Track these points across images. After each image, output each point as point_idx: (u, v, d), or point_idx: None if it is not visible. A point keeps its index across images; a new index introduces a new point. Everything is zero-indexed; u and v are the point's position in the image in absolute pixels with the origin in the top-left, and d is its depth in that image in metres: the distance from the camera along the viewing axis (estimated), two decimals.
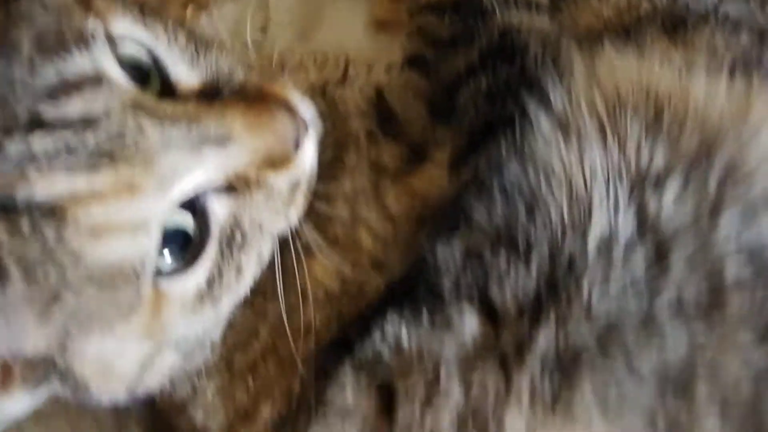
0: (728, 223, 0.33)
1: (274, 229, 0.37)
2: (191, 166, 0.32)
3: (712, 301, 0.32)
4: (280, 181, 0.36)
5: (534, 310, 0.33)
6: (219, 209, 0.35)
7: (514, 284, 0.33)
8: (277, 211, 0.37)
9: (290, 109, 0.35)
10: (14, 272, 0.29)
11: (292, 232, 0.38)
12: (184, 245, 0.35)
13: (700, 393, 0.31)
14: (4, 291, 0.29)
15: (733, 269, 0.32)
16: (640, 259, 0.33)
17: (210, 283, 0.35)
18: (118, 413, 0.50)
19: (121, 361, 0.36)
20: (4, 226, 0.29)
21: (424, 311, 0.35)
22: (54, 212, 0.29)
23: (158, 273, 0.33)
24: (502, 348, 0.33)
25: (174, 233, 0.34)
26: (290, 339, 0.37)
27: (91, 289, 0.31)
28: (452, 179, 0.37)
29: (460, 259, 0.35)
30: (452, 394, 0.33)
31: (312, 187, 0.39)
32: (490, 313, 0.34)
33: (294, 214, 0.38)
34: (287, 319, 0.37)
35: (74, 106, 0.29)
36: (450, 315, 0.34)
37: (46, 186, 0.29)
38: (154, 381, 0.39)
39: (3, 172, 0.29)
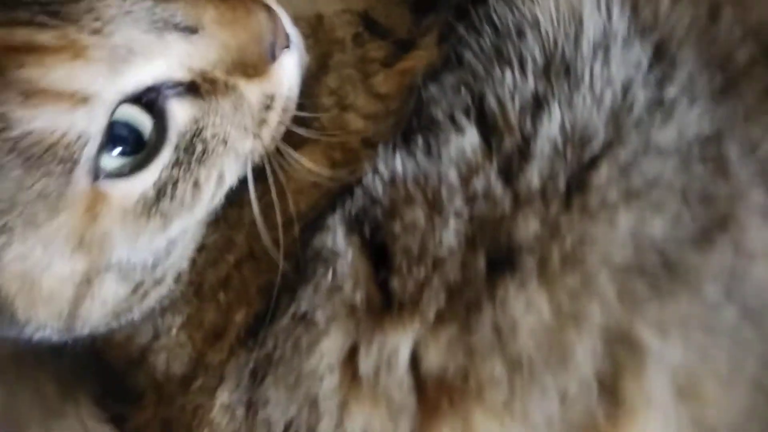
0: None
1: (241, 148, 0.33)
2: (151, 51, 0.29)
3: (726, 85, 0.30)
4: (251, 92, 0.32)
5: (535, 107, 0.30)
6: (180, 112, 0.31)
7: (511, 90, 0.31)
8: (246, 128, 0.33)
9: (270, 13, 0.32)
10: None
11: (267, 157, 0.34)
12: (137, 149, 0.31)
13: (734, 165, 0.28)
14: None
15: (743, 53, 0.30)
16: (641, 55, 0.30)
17: (160, 193, 0.31)
18: (63, 382, 0.44)
19: (49, 276, 0.31)
20: None
21: (419, 139, 0.32)
22: None
23: (100, 172, 0.30)
24: (504, 153, 0.30)
25: (126, 135, 0.30)
26: (268, 236, 0.33)
27: (16, 165, 0.27)
28: (441, 53, 0.34)
29: (453, 86, 0.32)
30: (456, 212, 0.30)
31: (291, 113, 0.35)
32: (488, 122, 0.31)
33: (266, 135, 0.34)
34: (264, 218, 0.33)
35: None
36: (447, 134, 0.31)
37: None
38: (95, 313, 0.34)
39: None
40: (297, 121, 0.36)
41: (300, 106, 0.36)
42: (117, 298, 0.35)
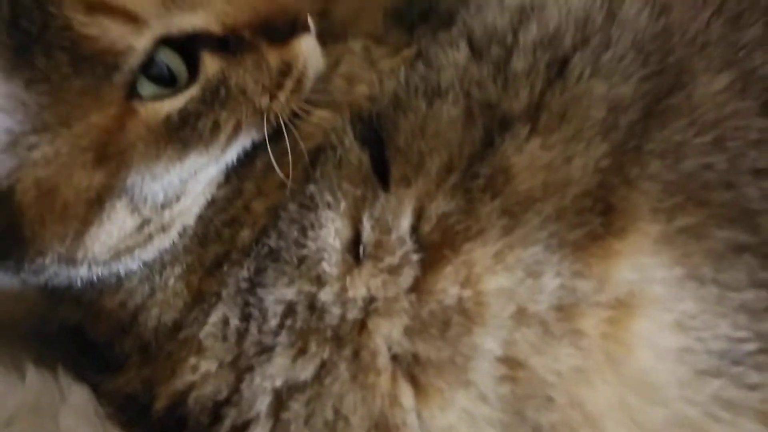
0: None
1: (257, 102, 0.38)
2: (194, 2, 0.35)
3: None
4: (271, 55, 0.38)
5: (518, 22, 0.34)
6: (210, 62, 0.36)
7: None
8: (264, 86, 0.38)
9: (299, 2, 0.39)
10: (3, 10, 0.30)
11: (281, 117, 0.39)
12: (170, 85, 0.36)
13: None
14: None
15: None
16: None
17: (183, 121, 0.35)
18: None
19: (67, 186, 0.34)
20: None
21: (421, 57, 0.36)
22: None
23: (136, 94, 0.34)
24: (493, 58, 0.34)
25: (163, 73, 0.35)
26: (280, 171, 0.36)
27: (65, 61, 0.31)
28: None
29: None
30: (454, 98, 0.33)
31: (305, 87, 0.40)
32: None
33: (282, 98, 0.39)
34: (278, 165, 0.36)
35: None
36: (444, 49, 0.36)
37: None
38: (99, 244, 0.36)
39: None
40: (312, 101, 0.42)
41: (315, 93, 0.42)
42: (123, 232, 0.36)
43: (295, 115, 0.40)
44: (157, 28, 0.34)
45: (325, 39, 0.45)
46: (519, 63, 0.33)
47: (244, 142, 0.38)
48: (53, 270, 0.37)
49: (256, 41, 0.37)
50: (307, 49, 0.40)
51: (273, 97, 0.38)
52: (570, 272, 0.28)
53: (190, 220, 0.39)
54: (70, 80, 0.32)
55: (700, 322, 0.26)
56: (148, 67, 0.34)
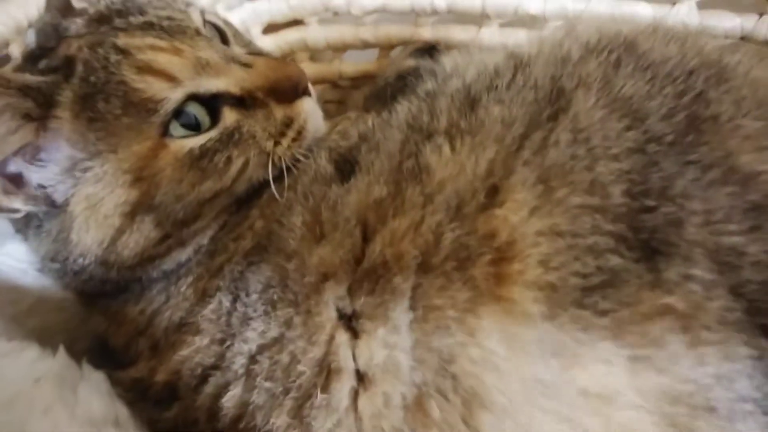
0: None
1: (263, 145, 0.47)
2: (220, 69, 0.46)
3: None
4: (277, 111, 0.48)
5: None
6: (229, 114, 0.47)
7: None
8: (270, 133, 0.48)
9: (301, 73, 0.50)
10: (79, 69, 0.42)
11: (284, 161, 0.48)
12: (196, 130, 0.46)
13: None
14: (69, 82, 0.42)
15: None
16: None
17: (203, 154, 0.45)
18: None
19: (109, 200, 0.43)
20: (89, 50, 0.43)
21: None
22: (123, 51, 0.43)
23: (168, 134, 0.44)
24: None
25: (191, 121, 0.46)
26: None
27: (118, 106, 0.42)
28: None
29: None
30: None
31: (306, 138, 0.50)
32: None
33: (284, 144, 0.48)
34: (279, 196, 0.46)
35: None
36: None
37: (127, 39, 0.44)
38: (128, 250, 0.44)
39: (106, 30, 0.45)
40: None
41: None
42: (148, 241, 0.45)
43: (296, 159, 0.49)
44: (189, 87, 0.45)
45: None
46: (442, 102, 0.43)
47: (251, 177, 0.47)
48: (90, 271, 0.45)
49: (267, 100, 0.48)
50: (308, 109, 0.50)
51: (277, 142, 0.48)
52: (464, 231, 0.35)
53: (204, 240, 0.47)
54: (120, 119, 0.42)
55: (558, 263, 0.32)
56: (179, 115, 0.45)
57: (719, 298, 0.30)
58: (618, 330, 0.31)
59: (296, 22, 0.81)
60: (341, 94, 0.85)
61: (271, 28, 0.82)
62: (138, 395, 0.42)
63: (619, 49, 0.41)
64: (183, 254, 0.47)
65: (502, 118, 0.38)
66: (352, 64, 0.84)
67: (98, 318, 0.50)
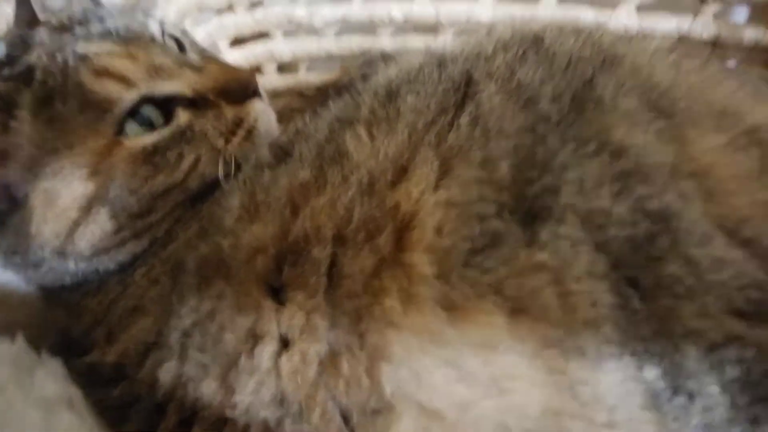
0: None
1: (214, 143, 0.50)
2: (174, 73, 0.50)
3: None
4: (228, 111, 0.51)
5: None
6: (182, 114, 0.50)
7: None
8: (221, 132, 0.51)
9: (250, 76, 0.54)
10: (38, 75, 0.45)
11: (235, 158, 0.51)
12: (149, 129, 0.49)
13: None
14: (29, 87, 0.45)
15: None
16: None
17: (156, 150, 0.47)
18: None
19: (66, 193, 0.46)
20: (48, 58, 0.46)
21: None
22: (81, 57, 0.47)
23: (123, 132, 0.47)
24: None
25: (144, 121, 0.49)
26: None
27: (75, 107, 0.45)
28: None
29: None
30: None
31: (256, 136, 0.53)
32: None
33: (235, 142, 0.51)
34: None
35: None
36: None
37: (86, 46, 0.47)
38: (84, 242, 0.47)
39: (67, 39, 0.48)
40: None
41: None
42: (103, 233, 0.47)
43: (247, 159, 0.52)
44: (143, 89, 0.48)
45: None
46: (366, 96, 0.46)
47: (203, 174, 0.50)
48: (49, 264, 0.47)
49: (218, 101, 0.51)
50: (257, 109, 0.53)
51: (228, 141, 0.51)
52: (373, 205, 0.38)
53: (160, 232, 0.50)
54: (77, 118, 0.45)
55: (449, 230, 0.36)
56: (134, 115, 0.48)
57: (586, 253, 0.33)
58: (499, 285, 0.34)
59: (262, 35, 0.85)
60: (308, 103, 0.89)
61: (238, 42, 0.86)
62: (91, 379, 0.45)
63: (526, 44, 0.45)
64: (138, 246, 0.49)
65: (416, 107, 0.42)
66: (318, 74, 0.88)
67: (60, 311, 0.52)
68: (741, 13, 0.72)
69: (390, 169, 0.39)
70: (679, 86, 0.40)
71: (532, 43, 0.45)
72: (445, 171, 0.38)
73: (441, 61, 0.46)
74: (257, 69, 0.88)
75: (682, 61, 0.44)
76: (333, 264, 0.37)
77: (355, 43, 0.83)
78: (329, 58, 0.86)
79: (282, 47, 0.85)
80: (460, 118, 0.39)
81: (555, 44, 0.44)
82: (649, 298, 0.32)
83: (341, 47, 0.84)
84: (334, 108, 0.48)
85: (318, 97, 0.86)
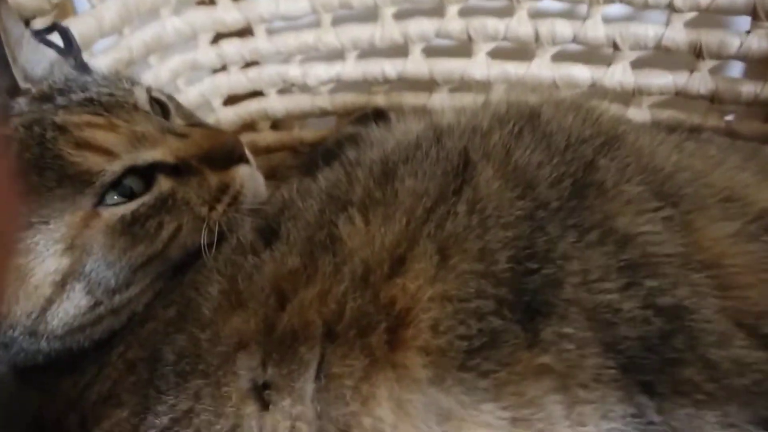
0: None
1: (197, 212, 0.48)
2: (157, 141, 0.48)
3: None
4: (212, 178, 0.49)
5: None
6: (164, 182, 0.48)
7: None
8: (204, 200, 0.49)
9: (235, 141, 0.52)
10: (14, 147, 0.43)
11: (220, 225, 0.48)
12: (131, 197, 0.47)
13: None
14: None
15: None
16: None
17: (134, 219, 0.45)
18: None
19: (40, 269, 0.43)
20: (25, 129, 0.45)
21: None
22: (60, 127, 0.45)
23: (103, 202, 0.45)
24: None
25: (127, 191, 0.47)
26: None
27: (53, 179, 0.43)
28: None
29: None
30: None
31: (241, 202, 0.51)
32: None
33: (219, 209, 0.49)
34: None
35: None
36: None
37: (66, 116, 0.46)
38: (57, 320, 0.44)
39: (47, 110, 0.47)
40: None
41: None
42: (78, 310, 0.45)
43: (234, 225, 0.50)
44: (126, 160, 0.46)
45: None
46: (360, 172, 0.44)
47: (185, 242, 0.48)
48: (20, 344, 0.45)
49: (201, 167, 0.49)
50: (243, 174, 0.52)
51: (212, 208, 0.49)
52: (366, 300, 0.35)
53: (139, 307, 0.47)
54: (53, 191, 0.44)
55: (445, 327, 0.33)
56: (115, 186, 0.46)
57: (594, 355, 0.30)
58: (498, 391, 0.31)
59: (256, 93, 0.85)
60: (302, 161, 0.88)
61: (231, 100, 0.85)
62: None
63: (522, 121, 0.43)
64: (116, 322, 0.46)
65: (414, 191, 0.40)
66: (312, 130, 0.87)
67: (32, 393, 0.49)
68: (736, 69, 0.71)
69: (387, 259, 0.36)
70: (683, 170, 0.38)
71: (528, 120, 0.43)
72: (442, 263, 0.35)
73: (438, 136, 0.44)
74: (251, 126, 0.88)
75: (683, 143, 0.43)
76: (321, 365, 0.34)
77: (349, 100, 0.83)
78: (323, 115, 0.85)
79: (276, 104, 0.85)
80: (457, 206, 0.37)
81: (552, 122, 0.43)
82: (666, 409, 0.29)
83: (335, 105, 0.84)
84: (324, 181, 0.46)
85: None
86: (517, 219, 0.36)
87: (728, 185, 0.37)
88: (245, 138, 0.87)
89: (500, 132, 0.42)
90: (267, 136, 0.87)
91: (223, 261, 0.43)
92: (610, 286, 0.32)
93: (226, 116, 0.85)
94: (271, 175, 0.90)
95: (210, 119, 0.84)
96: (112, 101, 0.49)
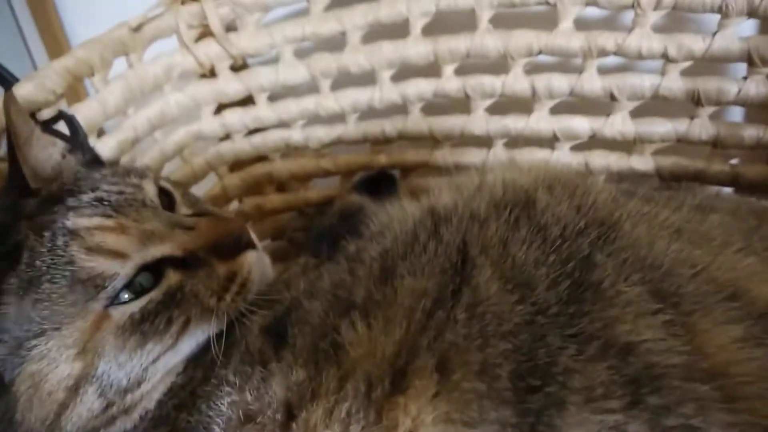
0: None
1: (206, 303, 0.49)
2: (165, 237, 0.49)
3: None
4: (220, 267, 0.50)
5: None
6: (172, 275, 0.48)
7: None
8: (213, 290, 0.49)
9: (241, 228, 0.53)
10: (25, 256, 0.44)
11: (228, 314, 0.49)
12: (140, 294, 0.48)
13: None
14: (15, 270, 0.44)
15: None
16: None
17: (143, 317, 0.46)
18: None
19: (53, 376, 0.44)
20: (36, 235, 0.46)
21: None
22: (71, 232, 0.46)
23: (114, 302, 0.46)
24: None
25: (137, 288, 0.48)
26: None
27: (65, 285, 0.44)
28: None
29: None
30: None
31: (250, 290, 0.52)
32: None
33: (228, 298, 0.50)
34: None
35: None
36: None
37: (76, 220, 0.47)
38: (71, 425, 0.44)
39: (57, 212, 0.48)
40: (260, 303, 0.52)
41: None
42: (91, 413, 0.45)
43: (242, 314, 0.50)
44: (137, 260, 0.47)
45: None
46: (360, 270, 0.44)
47: (195, 334, 0.48)
48: None
49: (209, 258, 0.50)
50: (251, 261, 0.52)
51: (220, 298, 0.50)
52: (369, 422, 0.35)
53: (150, 404, 0.47)
54: (65, 297, 0.44)
55: None
56: (128, 285, 0.47)
57: None
58: None
59: (260, 158, 0.86)
60: (308, 222, 0.88)
61: (237, 166, 0.87)
62: None
63: (518, 209, 0.43)
64: (128, 422, 0.47)
65: (413, 289, 0.40)
66: (317, 190, 0.88)
67: None
68: (737, 113, 0.71)
69: (388, 373, 0.36)
70: (682, 264, 0.38)
71: (524, 207, 0.43)
72: (443, 379, 0.35)
73: (436, 223, 0.44)
74: (257, 190, 0.89)
75: (684, 225, 0.42)
76: None
77: (352, 159, 0.84)
78: (327, 175, 0.86)
79: (280, 167, 0.86)
80: (457, 311, 0.37)
81: (547, 211, 0.43)
82: None
83: (338, 165, 0.84)
84: (329, 279, 0.46)
85: (319, 215, 0.86)
86: (516, 326, 0.35)
87: (732, 277, 0.37)
88: (251, 202, 0.88)
89: (497, 222, 0.42)
90: (273, 199, 0.88)
91: (233, 370, 0.43)
92: (614, 405, 0.31)
93: (232, 182, 0.86)
94: (278, 236, 0.91)
95: (216, 186, 0.86)
96: (122, 200, 0.50)
